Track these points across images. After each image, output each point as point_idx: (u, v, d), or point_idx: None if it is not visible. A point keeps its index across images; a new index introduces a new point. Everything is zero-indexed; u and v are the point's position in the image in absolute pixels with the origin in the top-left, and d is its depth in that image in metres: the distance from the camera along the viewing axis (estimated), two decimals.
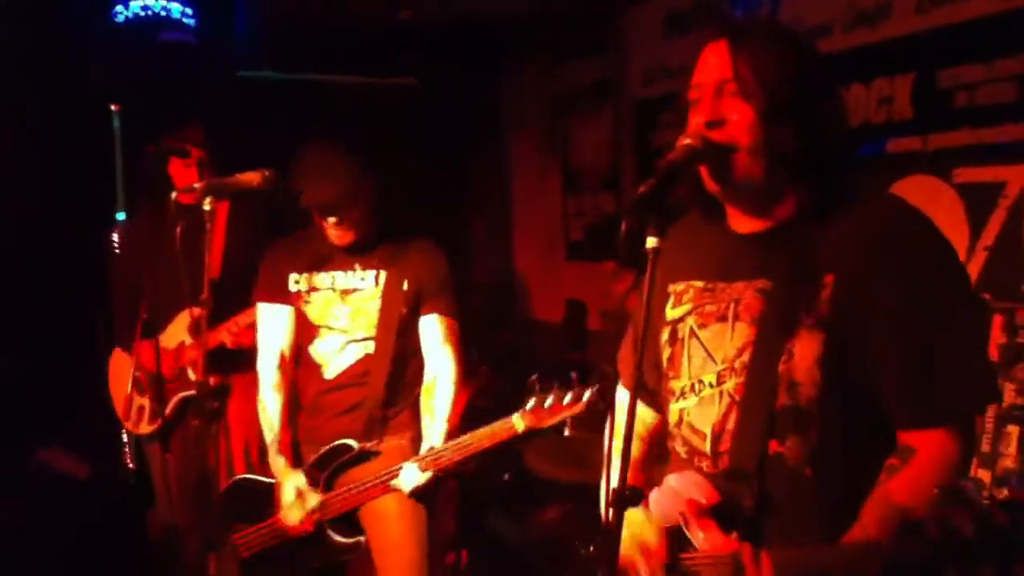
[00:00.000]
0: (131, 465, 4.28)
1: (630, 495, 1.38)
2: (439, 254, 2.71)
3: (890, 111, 3.24)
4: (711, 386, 1.52)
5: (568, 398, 2.32)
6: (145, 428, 3.40)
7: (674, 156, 1.41)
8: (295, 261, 2.69)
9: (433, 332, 2.66)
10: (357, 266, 2.65)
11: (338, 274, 2.66)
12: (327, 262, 2.66)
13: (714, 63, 1.45)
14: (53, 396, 4.28)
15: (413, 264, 2.64)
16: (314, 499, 2.57)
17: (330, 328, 2.66)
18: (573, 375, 2.36)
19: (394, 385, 2.65)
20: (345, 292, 2.65)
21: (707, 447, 1.51)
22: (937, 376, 1.35)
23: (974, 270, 2.95)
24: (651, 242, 1.33)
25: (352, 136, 2.58)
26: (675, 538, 1.52)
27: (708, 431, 1.51)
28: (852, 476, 1.40)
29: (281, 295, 2.70)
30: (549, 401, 2.33)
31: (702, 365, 1.54)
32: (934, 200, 3.05)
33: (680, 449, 1.58)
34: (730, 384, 1.49)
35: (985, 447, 2.77)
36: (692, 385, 1.55)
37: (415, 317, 2.66)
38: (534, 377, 2.38)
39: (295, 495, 2.57)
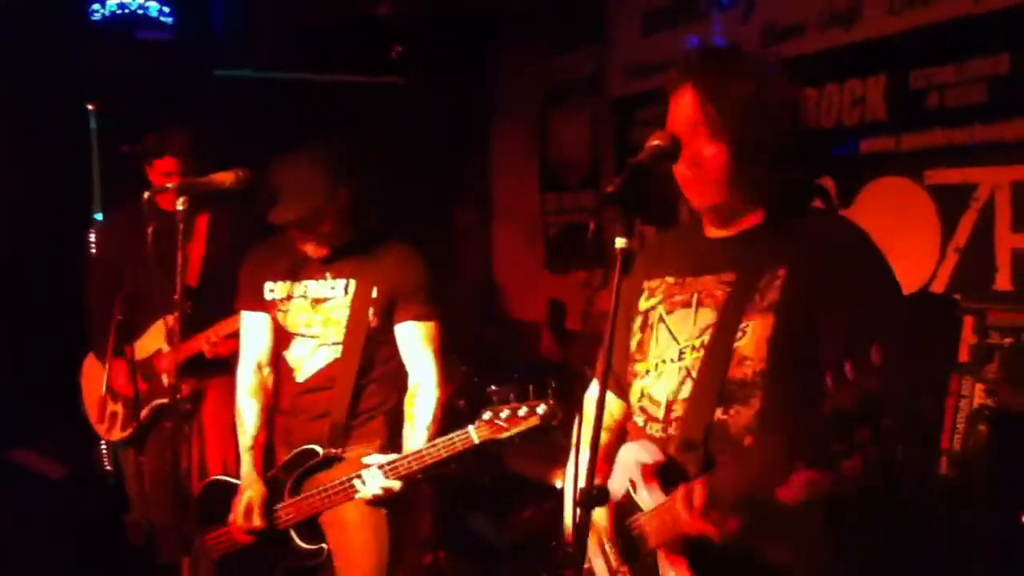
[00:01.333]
0: (108, 467, 4.26)
1: (597, 494, 1.40)
2: (413, 258, 2.68)
3: (863, 111, 3.26)
4: (672, 361, 1.66)
5: (523, 411, 2.33)
6: (118, 434, 3.39)
7: (642, 156, 1.50)
8: (271, 269, 2.69)
9: (411, 338, 2.64)
10: (328, 275, 2.64)
11: (310, 283, 2.66)
12: (301, 271, 2.66)
13: (683, 108, 1.57)
14: (32, 398, 4.26)
15: (384, 271, 2.63)
16: (258, 520, 2.57)
17: (303, 335, 2.66)
18: (530, 387, 2.36)
19: (360, 394, 2.63)
20: (316, 301, 2.65)
21: (660, 413, 1.66)
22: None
23: (945, 271, 2.98)
24: (619, 242, 1.41)
25: (323, 147, 2.57)
26: (622, 510, 1.64)
27: (663, 400, 1.66)
28: (788, 449, 1.46)
29: (260, 303, 2.70)
30: (505, 414, 2.34)
31: (666, 346, 1.68)
32: (906, 201, 3.07)
33: (638, 419, 1.72)
34: (689, 359, 1.63)
35: (956, 446, 2.79)
36: (655, 364, 1.69)
37: (386, 324, 2.64)
38: (492, 388, 2.39)
39: (244, 507, 2.58)
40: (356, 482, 2.49)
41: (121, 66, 4.53)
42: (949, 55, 2.95)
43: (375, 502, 2.52)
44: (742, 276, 1.59)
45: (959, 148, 2.94)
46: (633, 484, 1.62)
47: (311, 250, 2.60)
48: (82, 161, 4.68)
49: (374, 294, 2.61)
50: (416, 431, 2.55)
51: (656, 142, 1.51)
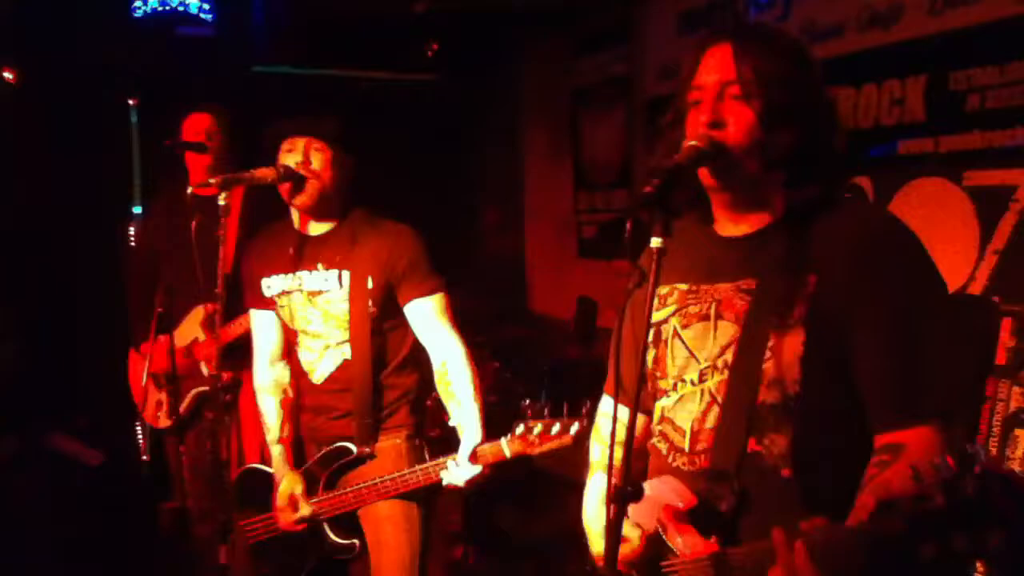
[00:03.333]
0: (145, 457, 4.32)
1: (632, 492, 1.39)
2: (404, 235, 2.60)
3: (902, 112, 3.23)
4: (692, 384, 1.54)
5: (556, 429, 2.29)
6: (164, 422, 3.44)
7: (680, 157, 1.43)
8: (264, 264, 2.67)
9: (422, 316, 2.57)
10: (320, 265, 2.58)
11: (303, 274, 2.60)
12: (292, 262, 2.60)
13: (717, 65, 1.48)
14: (70, 386, 4.34)
15: (375, 257, 2.55)
16: (306, 509, 2.58)
17: (306, 332, 2.64)
18: (565, 405, 2.34)
19: (380, 389, 2.62)
20: (312, 294, 2.60)
21: (686, 444, 1.53)
22: (920, 375, 1.36)
23: (984, 273, 2.94)
24: (656, 242, 1.35)
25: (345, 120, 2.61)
26: (655, 545, 1.52)
27: (687, 428, 1.53)
28: (829, 479, 1.41)
29: (262, 300, 2.69)
30: (538, 430, 2.30)
31: (685, 364, 1.56)
32: (945, 202, 3.04)
33: (660, 446, 1.59)
34: (712, 382, 1.50)
35: (992, 451, 2.77)
36: (674, 384, 1.57)
37: (388, 311, 2.59)
38: (526, 402, 2.35)
39: (287, 500, 2.59)
40: (445, 476, 2.45)
41: (162, 62, 4.60)
42: (990, 56, 2.92)
43: (410, 496, 2.54)
44: (764, 283, 1.47)
45: (999, 150, 2.91)
46: (663, 526, 1.50)
47: (300, 199, 2.52)
48: (122, 155, 4.76)
49: (370, 284, 2.54)
50: (465, 407, 2.49)
51: (694, 143, 1.44)
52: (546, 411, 2.31)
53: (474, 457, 2.41)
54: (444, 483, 2.47)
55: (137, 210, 4.65)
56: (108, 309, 3.77)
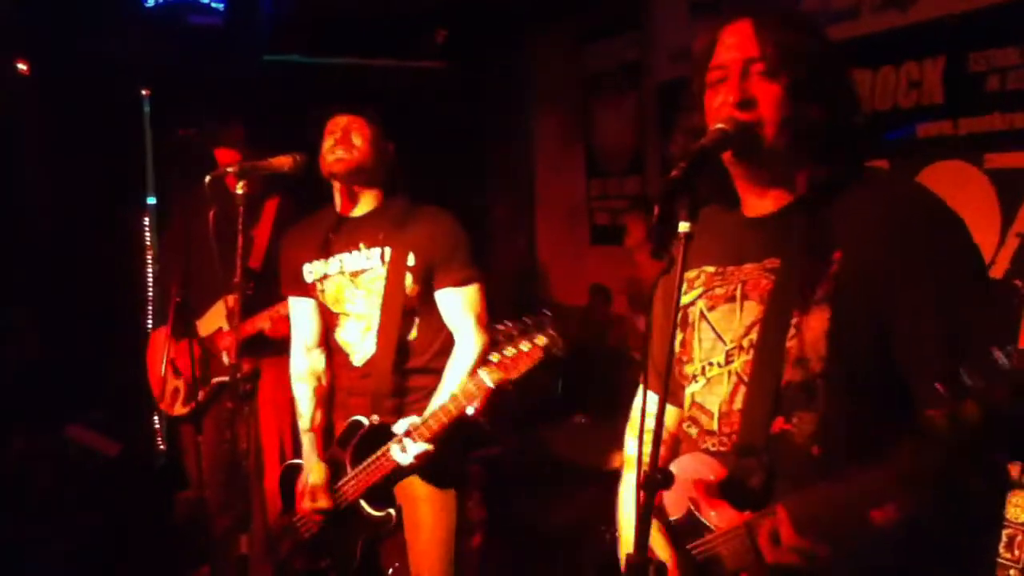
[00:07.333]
0: (162, 446, 4.34)
1: (661, 478, 1.38)
2: (447, 220, 2.62)
3: (920, 95, 3.21)
4: (719, 366, 1.53)
5: (526, 346, 2.25)
6: (180, 410, 3.45)
7: (706, 140, 1.41)
8: (305, 250, 2.68)
9: (451, 305, 2.58)
10: (362, 245, 2.60)
11: (344, 256, 2.62)
12: (333, 245, 2.63)
13: (738, 43, 1.46)
14: (87, 378, 4.35)
15: (419, 236, 2.57)
16: (323, 502, 2.58)
17: (347, 314, 2.64)
18: (527, 320, 2.30)
19: (405, 374, 2.60)
20: (355, 274, 2.61)
21: (715, 425, 1.52)
22: (973, 348, 1.29)
23: (1005, 256, 2.92)
24: (683, 226, 1.32)
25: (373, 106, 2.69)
26: (681, 531, 1.51)
27: (715, 410, 1.52)
28: (858, 456, 1.36)
29: (301, 287, 2.71)
30: (510, 352, 2.26)
31: (712, 347, 1.55)
32: (965, 185, 3.02)
33: (690, 430, 1.59)
34: (738, 363, 1.49)
35: None
36: (703, 368, 1.56)
37: (427, 291, 2.59)
38: (500, 326, 2.29)
39: (309, 491, 2.60)
40: (394, 449, 2.46)
41: (173, 52, 4.61)
42: (1009, 37, 2.89)
43: (417, 466, 2.50)
44: (788, 262, 1.45)
45: (1020, 132, 2.88)
46: (695, 503, 1.48)
47: (337, 166, 2.55)
48: (135, 146, 4.77)
49: (411, 261, 2.55)
50: (440, 395, 2.50)
51: (720, 126, 1.42)
52: (515, 333, 2.25)
53: (422, 433, 2.40)
54: (396, 463, 2.47)
55: (151, 201, 4.66)
56: (123, 300, 3.78)
